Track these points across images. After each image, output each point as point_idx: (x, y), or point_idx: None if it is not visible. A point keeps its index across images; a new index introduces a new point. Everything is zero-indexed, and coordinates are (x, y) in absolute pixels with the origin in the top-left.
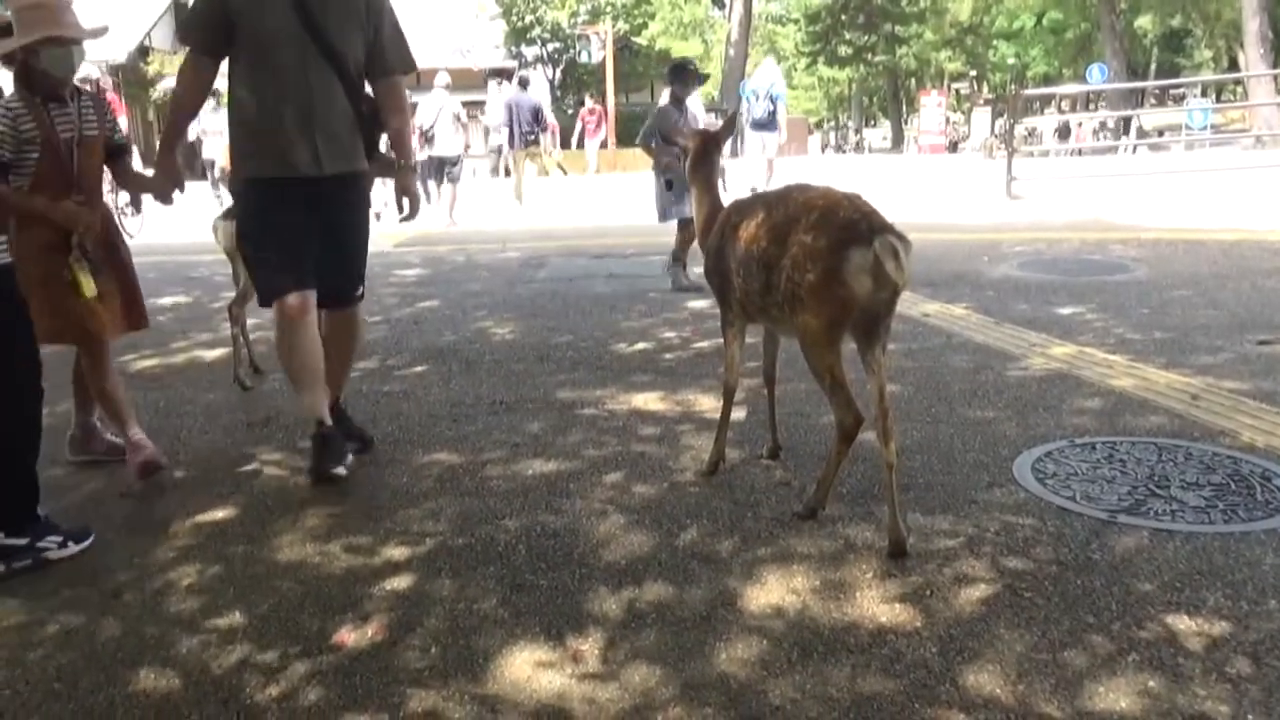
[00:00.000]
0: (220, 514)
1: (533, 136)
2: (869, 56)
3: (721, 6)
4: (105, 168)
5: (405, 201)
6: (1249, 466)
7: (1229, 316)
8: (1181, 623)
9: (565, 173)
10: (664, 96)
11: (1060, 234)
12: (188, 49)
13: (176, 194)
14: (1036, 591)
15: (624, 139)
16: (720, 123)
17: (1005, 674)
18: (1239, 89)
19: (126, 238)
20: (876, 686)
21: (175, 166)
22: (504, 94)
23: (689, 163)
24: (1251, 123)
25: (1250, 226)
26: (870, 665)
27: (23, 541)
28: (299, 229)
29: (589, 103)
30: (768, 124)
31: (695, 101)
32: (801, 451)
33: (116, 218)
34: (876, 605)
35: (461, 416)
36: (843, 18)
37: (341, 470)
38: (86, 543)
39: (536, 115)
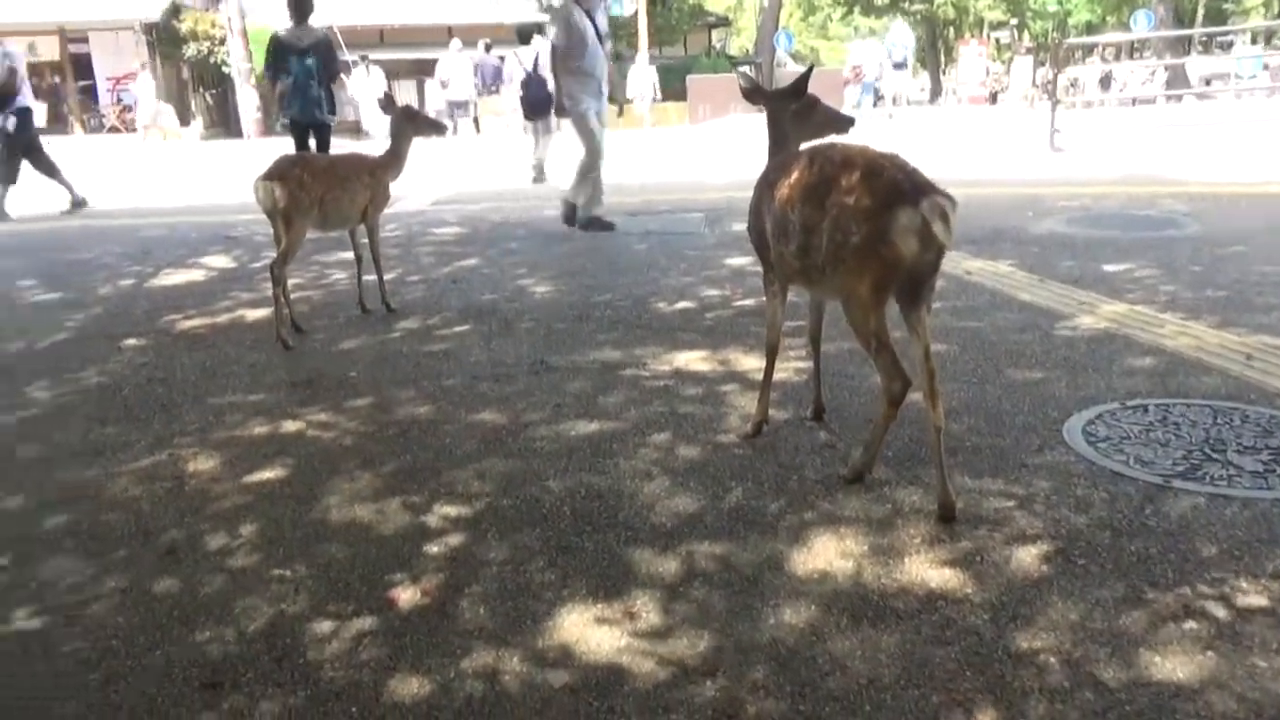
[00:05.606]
0: (268, 474)
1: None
2: (906, 5)
3: None
4: None
5: None
6: None
7: None
8: (1241, 590)
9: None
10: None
11: (1106, 188)
12: None
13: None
14: (1090, 558)
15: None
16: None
17: (1059, 642)
18: None
19: None
20: (927, 653)
21: None
22: (463, 56)
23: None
24: None
25: None
26: (920, 631)
27: None
28: None
29: None
30: (902, 65)
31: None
32: (846, 413)
33: None
34: (926, 570)
35: (503, 376)
36: None
37: None
38: None
39: (498, 75)
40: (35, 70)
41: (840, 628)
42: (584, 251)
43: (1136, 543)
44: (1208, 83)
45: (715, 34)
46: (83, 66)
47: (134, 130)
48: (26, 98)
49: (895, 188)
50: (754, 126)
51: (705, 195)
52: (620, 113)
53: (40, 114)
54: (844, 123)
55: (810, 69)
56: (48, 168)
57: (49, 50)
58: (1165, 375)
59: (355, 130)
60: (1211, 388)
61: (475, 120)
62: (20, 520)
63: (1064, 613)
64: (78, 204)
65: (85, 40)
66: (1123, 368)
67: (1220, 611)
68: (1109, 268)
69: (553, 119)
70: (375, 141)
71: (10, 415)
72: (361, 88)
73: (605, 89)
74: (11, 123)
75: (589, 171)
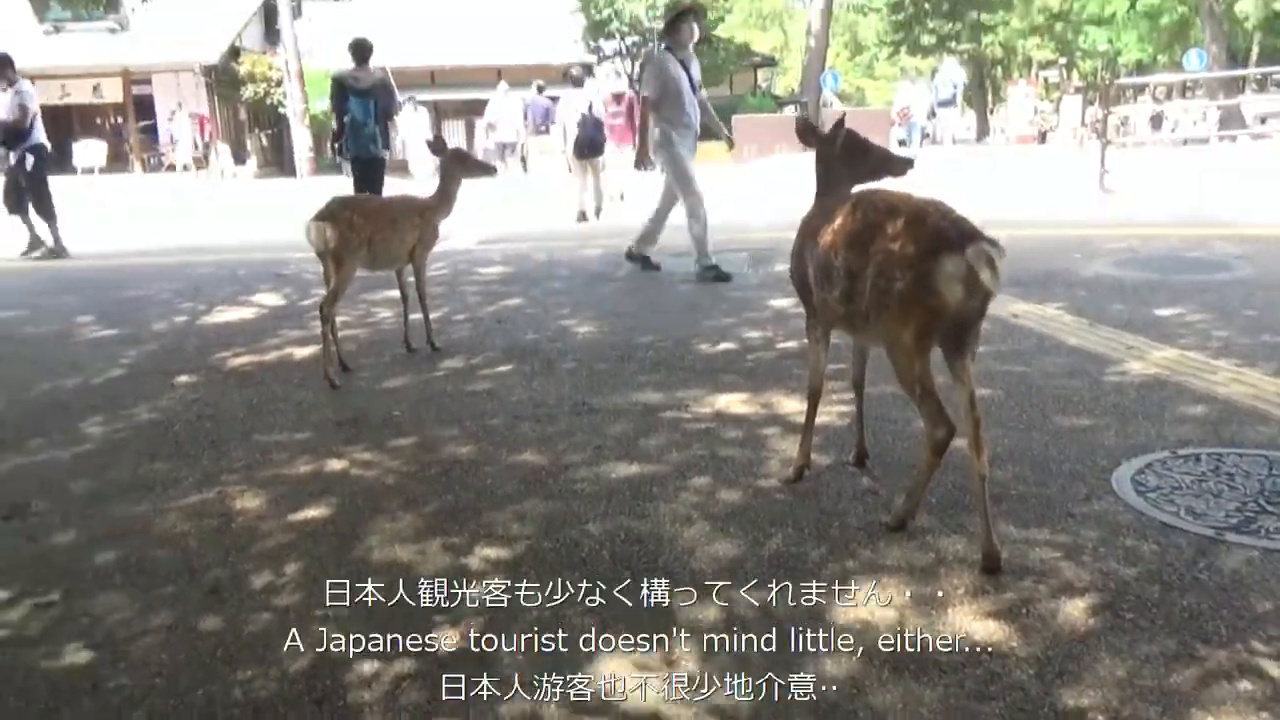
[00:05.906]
0: (312, 513)
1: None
2: (953, 45)
3: None
4: None
5: None
6: None
7: None
8: None
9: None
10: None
11: (1157, 229)
12: None
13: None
14: (1139, 612)
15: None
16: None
17: (1107, 699)
18: None
19: None
20: (971, 708)
21: None
22: (511, 97)
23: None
24: None
25: None
26: (964, 685)
27: None
28: None
29: (612, 85)
30: (950, 102)
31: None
32: (889, 458)
33: None
34: (970, 622)
35: (545, 417)
36: (926, 6)
37: None
38: None
39: (547, 115)
40: (99, 111)
41: (881, 680)
42: (627, 292)
43: (1188, 597)
44: (1263, 122)
45: (761, 74)
46: (145, 107)
47: (187, 169)
48: (39, 135)
49: (940, 235)
50: (799, 166)
51: (749, 235)
52: (730, 147)
53: (102, 153)
54: (901, 165)
55: (843, 117)
56: (22, 209)
57: (113, 92)
58: (1218, 423)
59: (403, 169)
60: (1267, 437)
61: (523, 160)
62: (72, 554)
63: (1112, 669)
64: (54, 251)
65: (148, 82)
66: (1174, 415)
67: (1276, 670)
68: (1160, 312)
69: (600, 160)
70: (419, 180)
71: (65, 451)
72: (409, 126)
73: (697, 138)
74: (29, 161)
75: (696, 212)
